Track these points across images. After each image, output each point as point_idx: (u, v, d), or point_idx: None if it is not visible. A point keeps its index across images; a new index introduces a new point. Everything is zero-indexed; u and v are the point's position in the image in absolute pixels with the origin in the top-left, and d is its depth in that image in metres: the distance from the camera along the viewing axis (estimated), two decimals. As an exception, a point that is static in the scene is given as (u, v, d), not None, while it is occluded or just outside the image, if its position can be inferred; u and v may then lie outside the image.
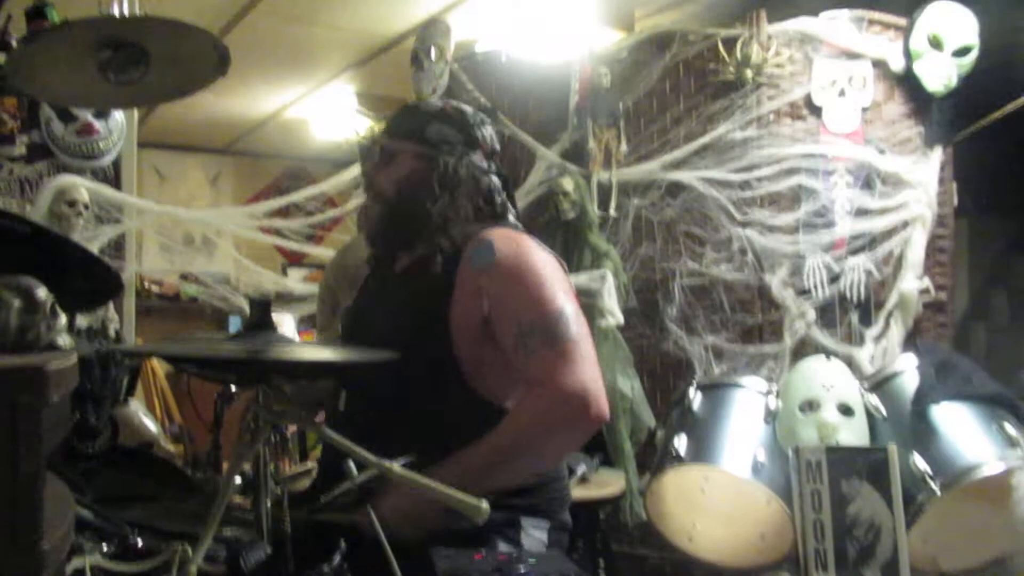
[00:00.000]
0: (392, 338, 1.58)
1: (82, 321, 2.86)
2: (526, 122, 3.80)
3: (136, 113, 3.89)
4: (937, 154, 3.31)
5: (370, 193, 1.91)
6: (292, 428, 3.06)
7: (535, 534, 1.74)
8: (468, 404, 1.71)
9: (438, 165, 1.81)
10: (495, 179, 1.88)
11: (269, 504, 1.33)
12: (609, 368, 3.29)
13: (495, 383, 1.73)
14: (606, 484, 2.99)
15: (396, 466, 1.29)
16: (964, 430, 2.25)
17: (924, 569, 2.24)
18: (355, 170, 3.76)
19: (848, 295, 3.30)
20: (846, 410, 2.41)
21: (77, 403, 1.72)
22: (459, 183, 1.82)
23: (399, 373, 1.59)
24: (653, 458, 2.65)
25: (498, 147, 1.92)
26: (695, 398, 2.56)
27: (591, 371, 1.65)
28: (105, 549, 1.29)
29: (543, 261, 1.75)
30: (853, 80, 3.35)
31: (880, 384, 2.50)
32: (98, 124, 3.51)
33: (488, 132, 1.89)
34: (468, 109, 1.91)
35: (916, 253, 3.26)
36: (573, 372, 1.63)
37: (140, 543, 1.33)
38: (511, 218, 1.90)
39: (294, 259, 7.13)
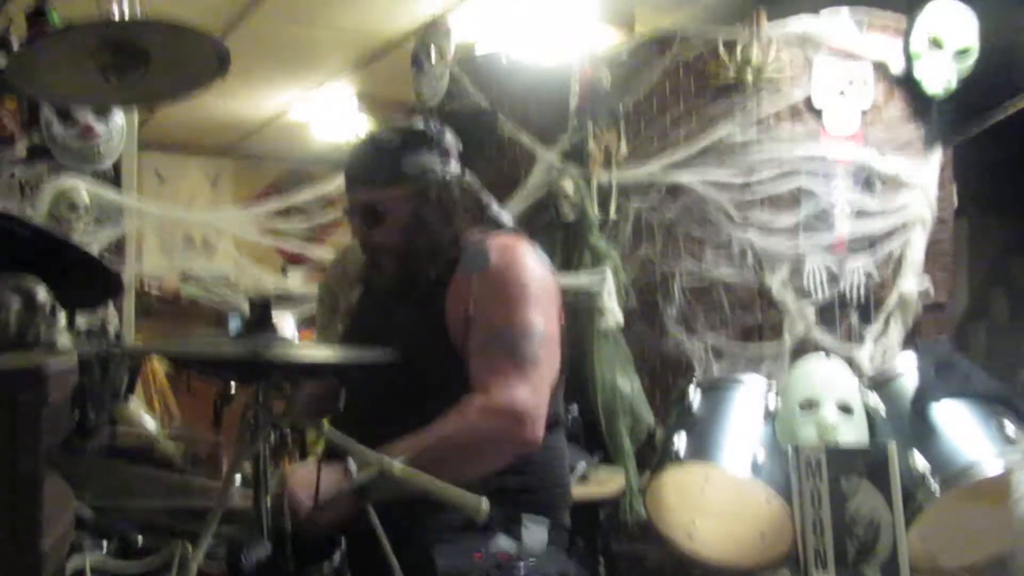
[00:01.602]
0: (394, 341, 1.58)
1: (82, 321, 2.86)
2: (526, 123, 3.80)
3: (136, 115, 3.89)
4: (937, 155, 3.31)
5: (369, 251, 1.82)
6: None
7: (536, 531, 1.74)
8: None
9: (431, 195, 1.76)
10: (470, 177, 1.85)
11: (269, 504, 1.33)
12: (609, 368, 3.30)
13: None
14: (606, 483, 3.00)
15: (396, 465, 1.29)
16: (963, 429, 2.26)
17: (923, 567, 2.24)
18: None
19: (848, 296, 3.30)
20: (846, 409, 2.41)
21: (77, 402, 1.72)
22: (455, 201, 1.79)
23: (399, 374, 1.59)
24: (653, 457, 2.65)
25: (461, 145, 1.86)
26: (695, 397, 2.57)
27: (538, 394, 1.63)
28: (105, 548, 1.29)
29: (532, 276, 1.73)
30: (853, 82, 3.35)
31: (879, 383, 2.50)
32: (98, 126, 3.51)
33: (450, 136, 1.84)
34: (422, 123, 1.84)
35: (916, 254, 3.26)
36: (518, 389, 1.61)
37: (140, 542, 1.33)
38: (505, 218, 1.90)
39: (294, 260, 7.12)
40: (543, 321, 1.69)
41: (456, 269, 1.75)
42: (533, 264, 1.76)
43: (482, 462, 1.65)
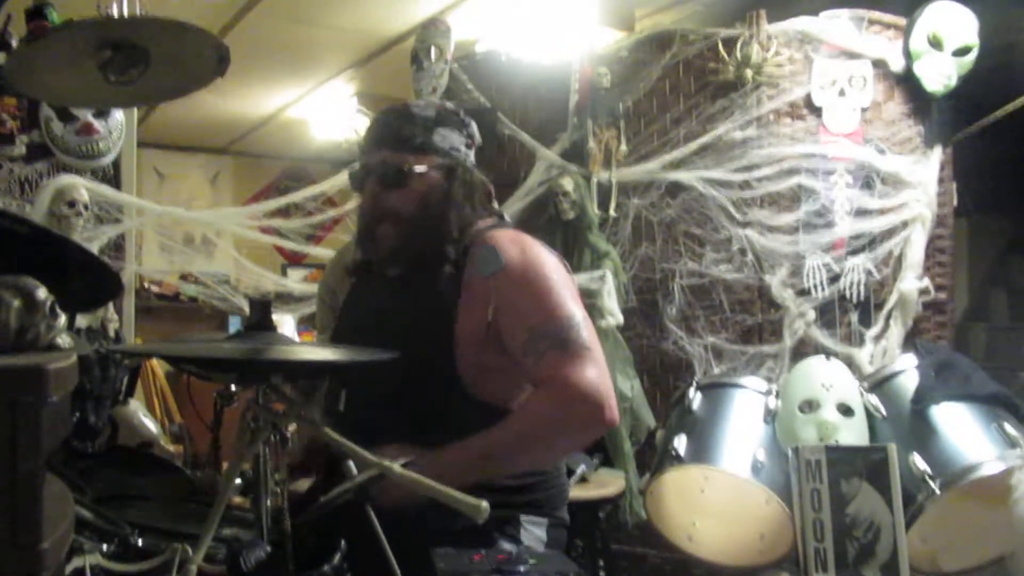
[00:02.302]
0: (393, 342, 1.56)
1: (82, 321, 2.86)
2: (526, 122, 3.80)
3: (136, 113, 3.89)
4: (937, 154, 3.31)
5: (378, 214, 1.78)
6: (292, 428, 3.05)
7: (534, 531, 1.73)
8: (467, 407, 1.70)
9: (456, 174, 1.76)
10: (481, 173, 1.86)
11: (269, 504, 1.33)
12: (609, 368, 3.29)
13: (496, 387, 1.72)
14: (606, 484, 3.00)
15: (396, 466, 1.29)
16: (964, 430, 2.25)
17: (924, 569, 2.24)
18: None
19: (848, 295, 3.30)
20: (846, 410, 2.41)
21: (77, 403, 1.72)
22: (475, 188, 1.80)
23: (399, 375, 1.58)
24: (653, 458, 2.65)
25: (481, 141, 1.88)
26: (695, 398, 2.56)
27: (604, 376, 1.65)
28: (105, 549, 1.29)
29: (551, 265, 1.73)
30: (853, 80, 3.35)
31: (880, 384, 2.50)
32: (98, 124, 3.51)
33: (475, 127, 1.85)
34: (454, 106, 1.87)
35: (916, 253, 3.26)
36: (587, 375, 1.62)
37: (140, 543, 1.33)
38: (504, 215, 1.90)
39: (294, 259, 7.13)
40: (576, 305, 1.69)
41: (463, 268, 1.73)
42: (545, 252, 1.76)
43: (565, 447, 1.76)
